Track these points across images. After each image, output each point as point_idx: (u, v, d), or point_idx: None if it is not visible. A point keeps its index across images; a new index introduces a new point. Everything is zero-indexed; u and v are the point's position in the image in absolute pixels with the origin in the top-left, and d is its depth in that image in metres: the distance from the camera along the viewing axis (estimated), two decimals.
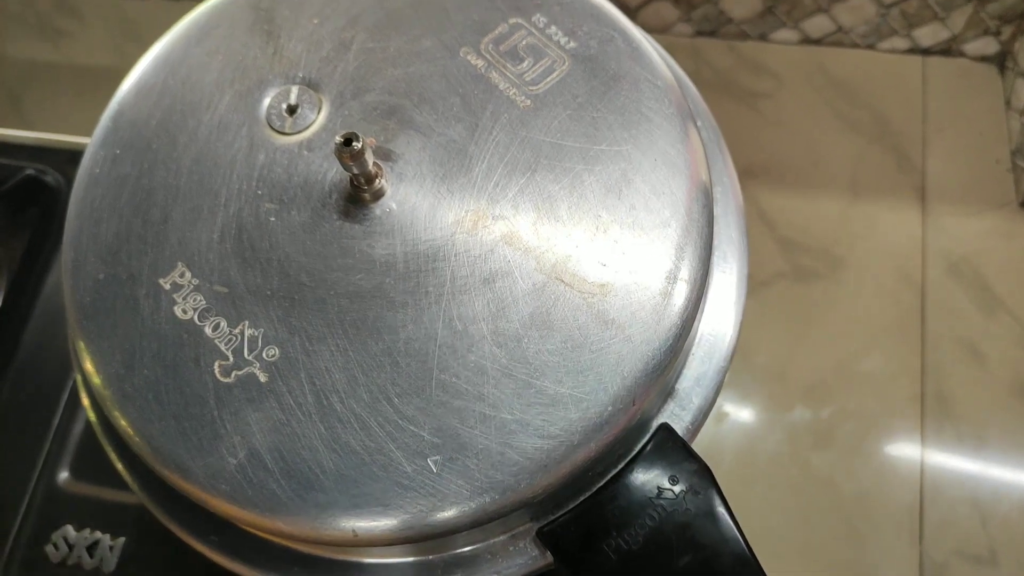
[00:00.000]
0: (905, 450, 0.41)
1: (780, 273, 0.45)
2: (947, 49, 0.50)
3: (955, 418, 0.42)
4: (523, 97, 0.24)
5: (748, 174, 0.48)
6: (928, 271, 0.45)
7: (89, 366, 0.23)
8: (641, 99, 0.24)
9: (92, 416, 0.25)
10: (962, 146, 0.49)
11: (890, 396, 0.42)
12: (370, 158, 0.22)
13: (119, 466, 0.25)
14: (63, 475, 0.34)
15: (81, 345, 0.23)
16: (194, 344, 0.22)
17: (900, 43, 0.50)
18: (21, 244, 0.33)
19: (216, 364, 0.22)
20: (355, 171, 0.22)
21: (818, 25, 0.50)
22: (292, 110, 0.24)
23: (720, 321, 0.25)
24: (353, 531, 0.21)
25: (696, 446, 0.22)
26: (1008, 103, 0.49)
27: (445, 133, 0.24)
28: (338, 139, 0.21)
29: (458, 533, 0.21)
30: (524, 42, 0.25)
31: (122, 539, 0.33)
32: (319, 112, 0.24)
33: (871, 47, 0.51)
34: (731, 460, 0.41)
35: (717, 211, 0.26)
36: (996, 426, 0.42)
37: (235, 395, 0.22)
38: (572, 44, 0.25)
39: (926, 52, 0.51)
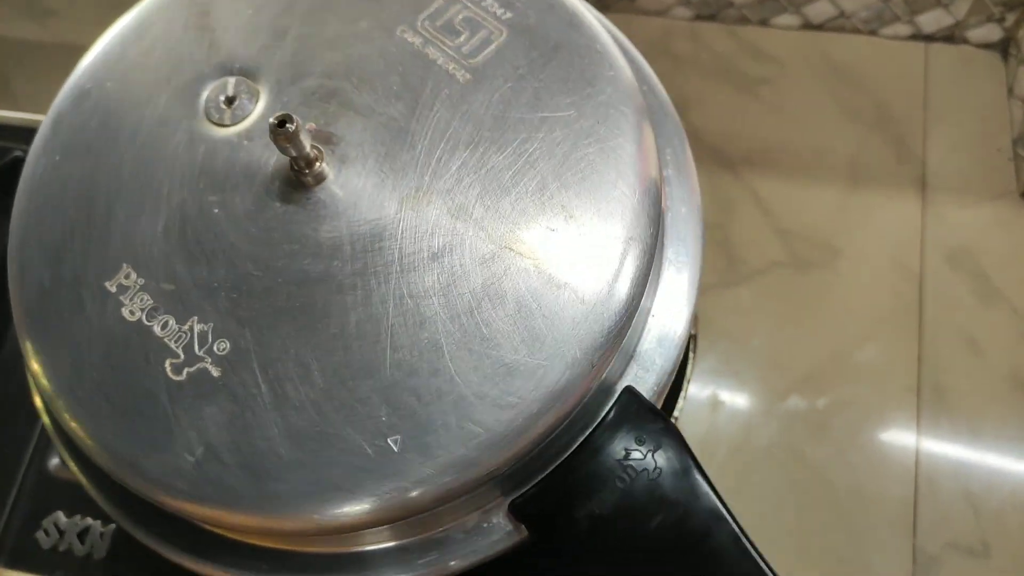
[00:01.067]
0: (900, 442, 0.40)
1: (777, 262, 0.45)
2: (950, 36, 0.50)
3: (951, 410, 0.41)
4: (462, 71, 0.24)
5: (746, 161, 0.47)
6: (927, 261, 0.44)
7: (39, 373, 0.22)
8: (582, 65, 0.24)
9: (46, 420, 0.25)
10: (963, 134, 0.48)
11: (886, 387, 0.42)
12: (306, 139, 0.21)
13: (73, 467, 0.25)
14: (54, 461, 0.34)
15: (30, 352, 0.23)
16: (143, 344, 0.22)
17: (903, 29, 0.50)
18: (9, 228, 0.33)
19: (167, 362, 0.22)
20: (293, 153, 0.22)
21: (820, 10, 0.50)
22: (230, 101, 0.24)
23: (679, 280, 0.24)
24: (316, 519, 0.20)
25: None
26: (1011, 91, 0.48)
27: (386, 112, 0.23)
28: (272, 121, 0.21)
29: (426, 512, 0.21)
30: (460, 16, 0.25)
31: (113, 525, 0.33)
32: (257, 101, 0.24)
33: (873, 33, 0.50)
34: (725, 450, 0.41)
35: (669, 172, 0.26)
36: (992, 418, 0.41)
37: (188, 392, 0.21)
38: (509, 15, 0.24)
39: (929, 39, 0.50)
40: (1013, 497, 0.39)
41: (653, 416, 0.22)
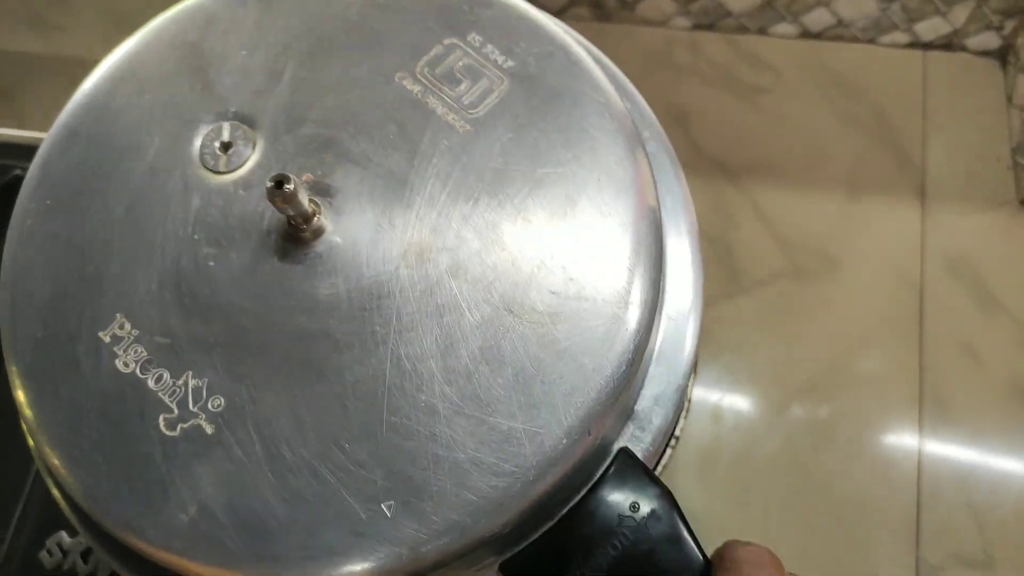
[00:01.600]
0: (903, 451, 0.40)
1: (778, 272, 0.44)
2: (948, 44, 0.49)
3: (953, 419, 0.41)
4: (462, 121, 0.23)
5: (746, 171, 0.47)
6: (927, 270, 0.44)
7: (36, 430, 0.22)
8: (584, 116, 0.23)
9: (46, 475, 0.25)
10: (962, 143, 0.47)
11: (888, 397, 0.41)
12: (304, 198, 0.21)
13: (71, 518, 0.25)
14: None
15: (27, 411, 0.22)
16: (138, 398, 0.22)
17: (901, 37, 0.49)
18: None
19: (161, 418, 0.21)
20: (290, 212, 0.21)
21: (818, 19, 0.49)
22: (226, 147, 0.24)
23: (677, 336, 0.24)
24: None
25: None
26: (1010, 99, 0.48)
27: (384, 164, 0.23)
28: (269, 183, 0.20)
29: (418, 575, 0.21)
30: (460, 63, 0.24)
31: None
32: (254, 148, 0.23)
33: (871, 41, 0.50)
34: (728, 461, 0.41)
35: (669, 225, 0.25)
36: (994, 428, 0.41)
37: (182, 449, 0.21)
38: (510, 63, 0.24)
39: (927, 47, 0.49)
40: (1016, 508, 0.40)
41: (650, 481, 0.22)
